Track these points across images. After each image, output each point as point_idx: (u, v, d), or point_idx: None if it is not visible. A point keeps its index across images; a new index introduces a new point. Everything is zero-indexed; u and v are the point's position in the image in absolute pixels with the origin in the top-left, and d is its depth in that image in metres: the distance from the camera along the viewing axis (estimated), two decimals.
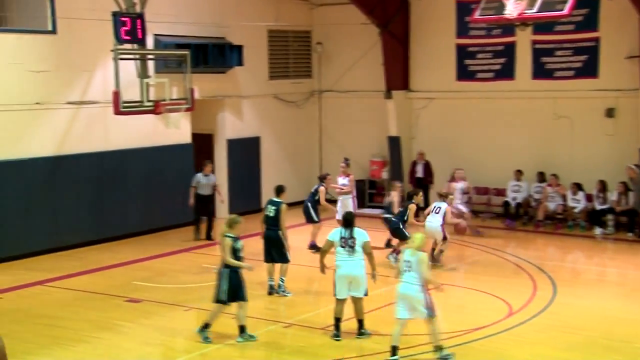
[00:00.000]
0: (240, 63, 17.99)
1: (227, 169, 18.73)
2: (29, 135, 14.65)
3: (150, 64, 15.35)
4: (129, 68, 14.27)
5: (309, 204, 14.96)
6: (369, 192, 20.23)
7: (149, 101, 14.25)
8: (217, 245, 16.19)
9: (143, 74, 14.30)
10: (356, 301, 9.85)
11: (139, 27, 13.74)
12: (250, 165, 19.28)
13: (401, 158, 19.67)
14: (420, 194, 13.91)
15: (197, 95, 16.36)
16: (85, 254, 14.97)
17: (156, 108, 14.33)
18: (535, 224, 17.48)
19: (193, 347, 9.80)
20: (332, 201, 15.44)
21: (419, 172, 18.89)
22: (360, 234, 9.83)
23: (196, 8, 17.69)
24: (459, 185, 16.53)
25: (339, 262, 9.73)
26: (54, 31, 14.84)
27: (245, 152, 19.11)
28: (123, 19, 13.49)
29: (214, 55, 17.28)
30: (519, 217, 17.87)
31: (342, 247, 9.71)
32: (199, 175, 15.84)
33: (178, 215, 17.21)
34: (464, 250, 15.04)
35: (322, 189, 14.83)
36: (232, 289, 9.82)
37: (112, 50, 13.69)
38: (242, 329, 10.01)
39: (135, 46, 14.19)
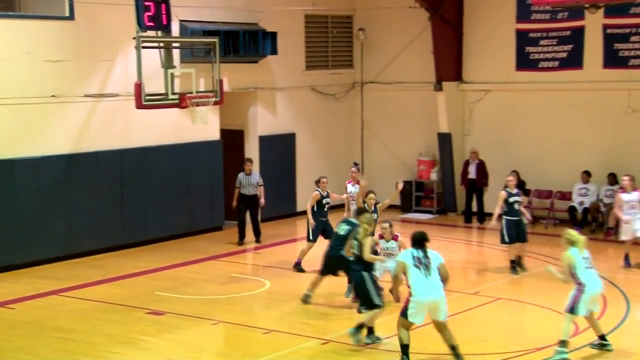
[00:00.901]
0: (274, 52, 18.04)
1: (259, 169, 18.77)
2: (43, 131, 14.87)
3: (176, 53, 15.47)
4: (152, 57, 14.38)
5: (311, 216, 14.10)
6: (415, 195, 20.12)
7: (174, 94, 14.34)
8: (245, 253, 16.32)
9: (168, 63, 14.40)
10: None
11: (163, 12, 13.85)
12: (284, 165, 19.31)
13: (452, 157, 19.53)
14: None
15: (226, 87, 16.45)
16: (103, 262, 15.14)
17: (182, 101, 14.42)
18: (605, 231, 17.21)
19: None
20: (332, 207, 15.01)
21: (472, 173, 18.74)
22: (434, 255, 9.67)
23: None
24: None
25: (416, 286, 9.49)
26: (71, 17, 15.04)
27: (279, 150, 19.16)
28: (146, 3, 13.59)
29: (245, 43, 17.35)
30: (587, 223, 17.62)
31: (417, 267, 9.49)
32: (241, 175, 16.22)
33: (205, 219, 17.32)
34: (524, 260, 14.85)
35: (314, 194, 14.08)
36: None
37: (134, 38, 13.82)
38: (370, 330, 10.39)
39: (160, 33, 14.30)
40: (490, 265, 15.35)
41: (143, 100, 13.82)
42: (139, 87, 13.70)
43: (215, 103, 15.03)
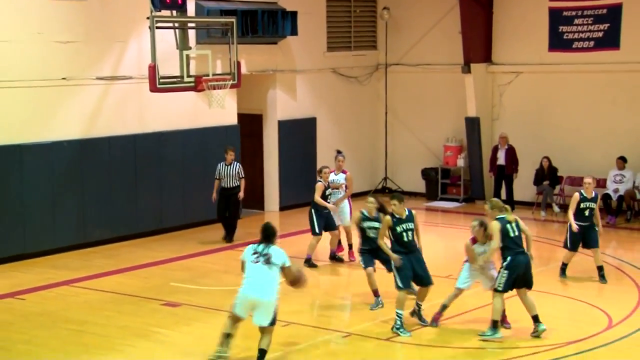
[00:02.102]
0: (294, 32, 18.02)
1: (278, 155, 18.81)
2: (53, 115, 14.96)
3: (192, 34, 15.50)
4: (167, 38, 14.43)
5: (312, 209, 14.03)
6: (442, 182, 20.07)
7: (190, 76, 14.40)
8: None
9: (183, 45, 14.45)
10: None
11: None
12: (304, 151, 19.32)
13: (481, 143, 19.46)
14: None
15: (244, 70, 16.45)
16: (117, 251, 15.24)
17: (197, 84, 14.47)
18: None
19: (240, 358, 9.87)
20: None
21: (501, 159, 18.66)
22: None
23: None
24: None
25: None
26: None
27: (299, 135, 19.17)
28: None
29: (264, 23, 17.35)
30: (622, 212, 17.50)
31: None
32: (221, 165, 15.54)
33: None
34: (556, 251, 14.79)
35: (318, 185, 13.94)
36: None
37: (148, 18, 13.87)
38: (535, 319, 10.38)
39: (175, 13, 14.34)
40: None
41: (157, 83, 13.90)
42: (153, 69, 13.76)
43: (232, 86, 15.09)
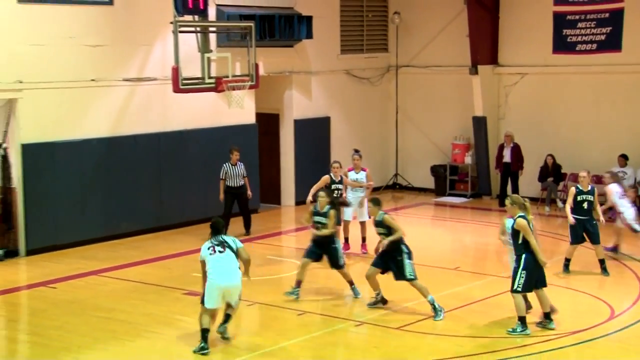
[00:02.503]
0: (309, 36, 18.11)
1: (294, 152, 18.91)
2: (83, 114, 15.13)
3: (212, 37, 15.61)
4: (189, 42, 14.56)
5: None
6: (450, 179, 20.11)
7: (210, 78, 14.51)
8: (281, 236, 16.49)
9: (204, 48, 14.56)
10: None
11: None
12: (319, 148, 19.41)
13: (487, 141, 19.48)
14: None
15: (262, 71, 16.55)
16: (142, 243, 15.40)
17: (218, 85, 14.58)
18: None
19: (255, 345, 10.01)
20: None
21: (507, 157, 18.68)
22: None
23: None
24: None
25: None
26: (110, 2, 15.27)
27: (314, 134, 19.26)
28: None
29: (280, 27, 17.44)
30: None
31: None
32: (227, 165, 15.45)
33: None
34: (559, 244, 14.82)
35: (324, 177, 13.89)
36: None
37: (171, 23, 14.00)
38: (547, 315, 10.34)
39: (197, 18, 14.47)
40: None
41: (180, 85, 14.02)
42: (176, 71, 13.89)
43: (251, 87, 15.18)
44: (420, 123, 20.68)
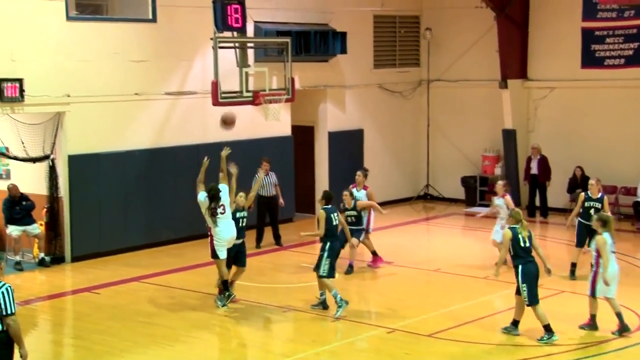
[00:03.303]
0: (343, 51, 18.11)
1: (329, 163, 18.90)
2: (127, 127, 15.26)
3: (250, 53, 15.67)
4: (228, 57, 14.63)
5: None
6: (480, 190, 19.94)
7: (248, 91, 14.57)
8: (314, 244, 16.43)
9: (242, 63, 14.63)
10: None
11: (239, 14, 14.09)
12: (352, 160, 19.33)
13: (517, 153, 19.29)
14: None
15: (297, 85, 16.59)
16: (181, 250, 15.47)
17: (255, 99, 14.63)
18: None
19: (291, 351, 9.99)
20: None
21: (534, 169, 18.49)
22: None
23: None
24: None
25: None
26: (153, 19, 15.40)
27: (348, 146, 19.22)
28: (223, 6, 13.83)
29: (316, 42, 17.47)
30: None
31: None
32: (259, 175, 15.21)
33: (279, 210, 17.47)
34: (587, 256, 14.59)
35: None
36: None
37: (211, 39, 14.08)
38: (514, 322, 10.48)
39: (235, 34, 14.54)
40: (554, 258, 15.11)
41: (219, 98, 14.10)
42: (215, 85, 13.96)
43: (287, 100, 15.20)
44: (451, 135, 20.56)
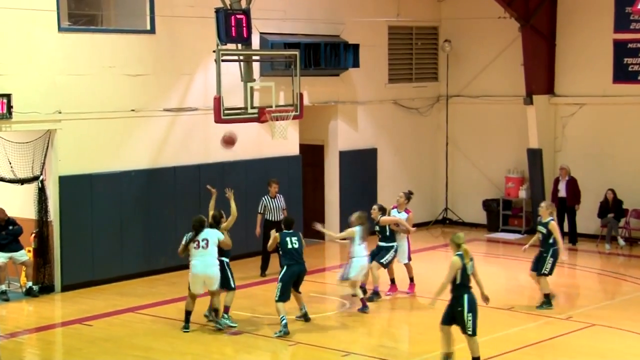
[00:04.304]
0: (356, 64, 18.13)
1: (339, 185, 18.86)
2: (122, 145, 15.29)
3: (256, 66, 15.71)
4: (232, 71, 14.66)
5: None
6: (503, 214, 19.83)
7: (253, 108, 14.58)
8: (324, 272, 16.36)
9: (247, 77, 14.65)
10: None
11: (244, 25, 14.14)
12: (365, 181, 19.33)
13: (543, 174, 19.20)
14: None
15: (306, 101, 16.61)
16: (181, 279, 15.28)
17: (261, 115, 14.63)
18: None
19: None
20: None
21: (562, 191, 18.39)
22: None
23: (307, 3, 17.98)
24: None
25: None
26: (152, 31, 15.47)
27: (360, 166, 19.20)
28: (227, 16, 13.87)
29: (326, 55, 17.51)
30: None
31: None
32: (266, 199, 15.45)
33: None
34: (621, 284, 14.46)
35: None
36: None
37: (214, 51, 14.12)
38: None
39: (240, 46, 14.57)
40: (583, 289, 14.99)
41: (222, 115, 14.11)
42: (218, 101, 13.98)
43: (295, 117, 15.20)
44: (471, 155, 20.49)
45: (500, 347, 10.96)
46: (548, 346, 11.22)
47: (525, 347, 11.20)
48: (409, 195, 14.56)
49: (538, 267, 13.15)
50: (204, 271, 12.00)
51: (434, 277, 15.56)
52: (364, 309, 12.94)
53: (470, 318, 10.06)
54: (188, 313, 12.21)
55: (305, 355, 11.25)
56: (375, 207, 14.04)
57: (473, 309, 10.08)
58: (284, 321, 11.79)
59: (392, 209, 14.33)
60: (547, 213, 13.21)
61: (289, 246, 12.17)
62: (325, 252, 18.25)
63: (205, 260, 12.00)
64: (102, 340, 11.88)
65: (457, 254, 10.18)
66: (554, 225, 13.08)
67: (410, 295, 14.01)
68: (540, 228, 13.22)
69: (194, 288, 12.10)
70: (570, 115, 19.12)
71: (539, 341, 11.35)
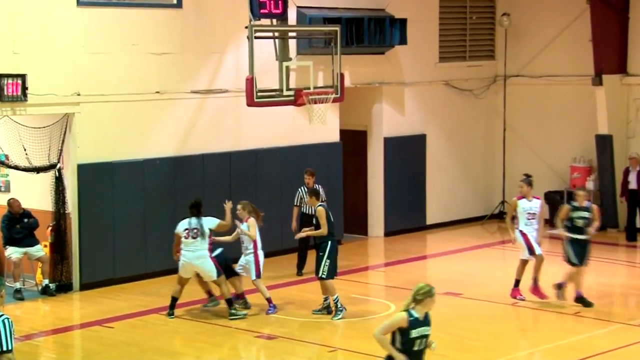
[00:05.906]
0: (403, 41, 18.12)
1: (384, 175, 18.87)
2: (146, 131, 15.45)
3: (292, 44, 15.77)
4: (266, 49, 14.74)
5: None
6: None
7: (289, 89, 14.65)
8: (367, 271, 16.39)
9: (283, 55, 14.73)
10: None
11: None
12: (413, 171, 19.33)
13: (613, 164, 19.05)
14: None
15: (347, 82, 16.63)
16: None
17: (297, 98, 14.70)
18: None
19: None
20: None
21: (633, 183, 18.21)
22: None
23: None
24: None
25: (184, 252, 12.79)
26: (179, 5, 15.60)
27: (407, 154, 19.20)
28: None
29: (370, 31, 17.51)
30: None
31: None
32: (302, 190, 15.44)
33: None
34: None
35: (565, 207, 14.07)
36: None
37: (246, 27, 14.20)
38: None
39: (275, 22, 14.64)
40: None
41: (255, 97, 14.20)
42: (250, 82, 14.07)
43: (334, 100, 15.24)
44: (532, 142, 20.39)
45: (567, 356, 10.92)
46: (619, 356, 11.16)
47: (594, 357, 11.15)
48: (529, 180, 14.08)
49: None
50: (194, 262, 12.80)
51: (489, 279, 15.63)
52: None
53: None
54: (174, 299, 13.03)
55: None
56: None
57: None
58: (339, 302, 12.76)
59: (518, 199, 13.91)
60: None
61: (332, 219, 12.97)
62: (368, 249, 18.31)
63: (194, 252, 12.78)
64: (124, 343, 12.04)
65: (405, 311, 7.76)
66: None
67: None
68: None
69: (184, 272, 12.92)
70: None
71: (609, 350, 11.29)
